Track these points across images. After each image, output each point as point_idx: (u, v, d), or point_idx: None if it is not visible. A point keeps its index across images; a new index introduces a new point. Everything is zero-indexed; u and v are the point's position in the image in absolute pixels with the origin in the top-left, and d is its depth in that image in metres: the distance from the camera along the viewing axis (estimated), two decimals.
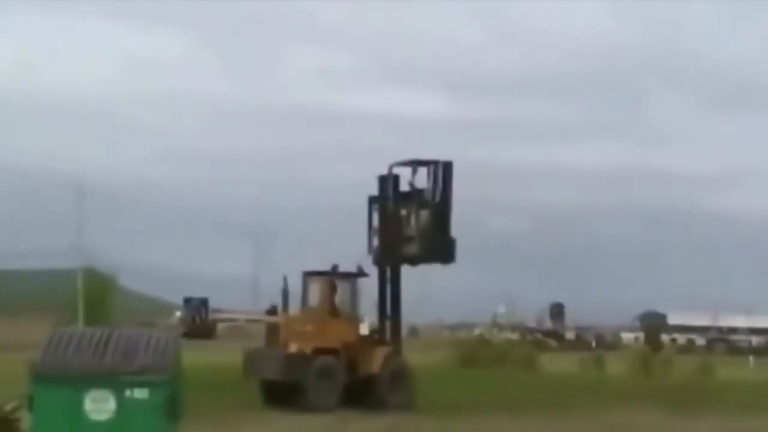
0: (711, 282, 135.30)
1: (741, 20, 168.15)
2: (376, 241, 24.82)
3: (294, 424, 19.51)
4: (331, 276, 24.20)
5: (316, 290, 24.15)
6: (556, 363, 40.55)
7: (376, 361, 23.38)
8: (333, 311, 23.92)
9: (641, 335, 78.73)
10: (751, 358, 61.54)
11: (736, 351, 72.81)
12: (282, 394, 22.90)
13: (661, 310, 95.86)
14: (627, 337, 78.47)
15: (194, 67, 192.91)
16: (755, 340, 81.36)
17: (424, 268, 25.42)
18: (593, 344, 70.83)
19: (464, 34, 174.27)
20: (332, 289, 24.01)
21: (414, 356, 27.45)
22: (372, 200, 25.07)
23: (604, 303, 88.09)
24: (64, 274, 67.12)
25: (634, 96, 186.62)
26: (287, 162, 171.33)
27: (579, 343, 71.57)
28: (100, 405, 11.72)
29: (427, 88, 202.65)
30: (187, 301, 77.06)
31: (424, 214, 24.62)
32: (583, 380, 29.35)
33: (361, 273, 24.41)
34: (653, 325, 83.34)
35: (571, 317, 79.49)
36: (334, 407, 22.20)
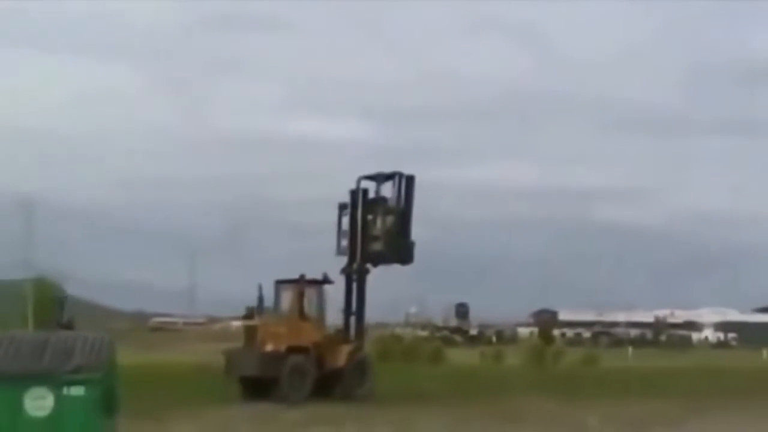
0: (598, 284, 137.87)
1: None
2: (344, 243, 25.46)
3: (220, 416, 19.04)
4: (300, 283, 24.77)
5: (287, 297, 24.88)
6: (461, 357, 40.73)
7: (341, 356, 24.21)
8: (302, 314, 24.59)
9: (535, 330, 79.40)
10: (630, 349, 62.49)
11: (617, 343, 73.92)
12: (258, 389, 23.46)
13: (553, 308, 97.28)
14: (523, 332, 78.97)
15: (140, 99, 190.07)
16: (633, 332, 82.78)
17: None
18: (494, 339, 71.29)
19: (389, 72, 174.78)
20: (301, 295, 24.66)
21: None
22: (342, 207, 25.78)
23: (504, 303, 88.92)
24: (13, 285, 65.52)
25: (537, 120, 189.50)
26: (230, 184, 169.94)
27: (481, 338, 71.97)
28: (39, 402, 11.40)
29: (351, 117, 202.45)
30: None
31: (389, 219, 25.38)
32: (485, 372, 29.34)
33: (326, 280, 25.12)
34: (545, 320, 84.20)
35: (475, 316, 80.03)
36: (305, 400, 22.82)
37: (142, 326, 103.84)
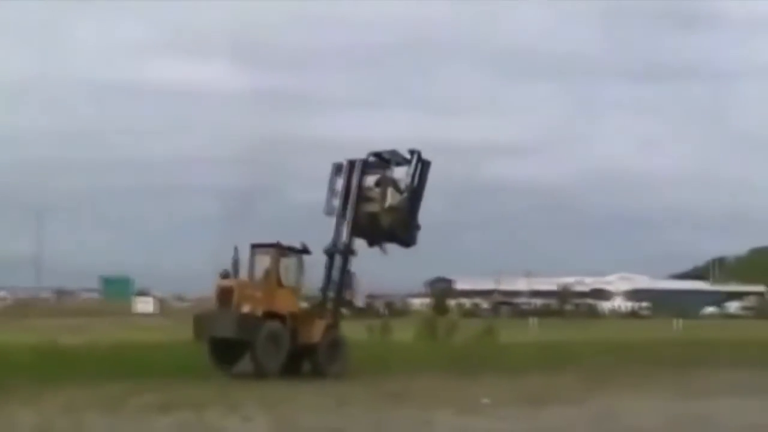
0: (498, 250, 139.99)
1: None
2: (335, 203, 26.69)
3: (61, 400, 18.69)
4: (278, 249, 25.68)
5: (263, 261, 25.75)
6: (346, 331, 40.70)
7: (317, 331, 25.26)
8: (279, 281, 25.53)
9: (429, 301, 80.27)
10: (532, 320, 63.64)
11: (520, 313, 75.28)
12: (228, 353, 24.72)
13: (449, 276, 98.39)
14: (415, 303, 79.85)
15: None
16: (537, 302, 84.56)
17: None
18: (383, 311, 71.77)
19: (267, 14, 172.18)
20: (278, 261, 25.62)
21: None
22: (337, 167, 27.02)
23: (395, 272, 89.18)
24: None
25: (428, 67, 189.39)
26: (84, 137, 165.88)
27: (369, 310, 72.38)
28: None
29: (221, 60, 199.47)
30: None
31: (396, 195, 26.70)
32: (371, 347, 29.45)
33: (304, 250, 26.07)
34: (440, 290, 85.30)
35: (362, 286, 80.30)
36: (277, 372, 24.06)
37: None
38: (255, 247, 26.02)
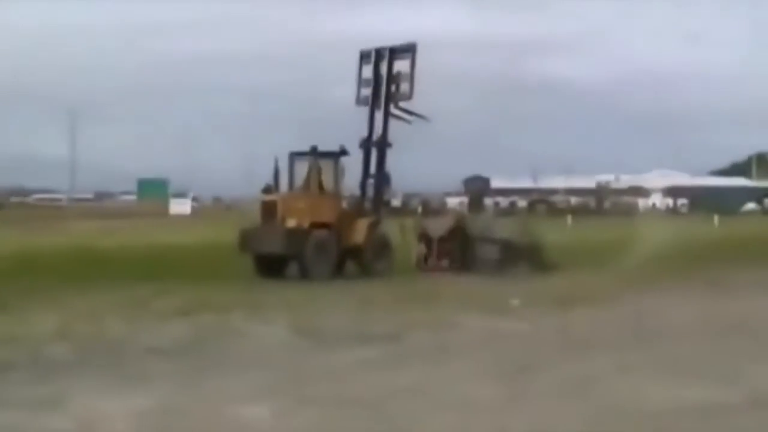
0: (535, 148, 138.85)
1: None
2: (365, 92, 26.89)
3: (85, 304, 18.52)
4: (317, 156, 25.77)
5: (302, 169, 25.84)
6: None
7: (360, 232, 25.47)
8: (321, 188, 25.76)
9: (465, 199, 79.80)
10: (569, 217, 63.21)
11: (557, 212, 74.69)
12: (275, 266, 25.09)
13: (485, 175, 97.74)
14: (452, 201, 79.37)
15: None
16: (573, 200, 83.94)
17: None
18: (419, 210, 71.32)
19: None
20: (318, 168, 25.69)
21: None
22: (363, 55, 27.09)
23: (432, 170, 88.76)
24: None
25: None
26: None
27: (406, 209, 72.02)
28: None
29: None
30: None
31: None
32: (401, 248, 29.02)
33: (343, 152, 25.99)
34: (477, 189, 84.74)
35: (398, 184, 79.82)
36: (328, 276, 24.29)
37: (24, 203, 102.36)
38: (293, 155, 26.03)
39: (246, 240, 25.39)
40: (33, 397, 10.95)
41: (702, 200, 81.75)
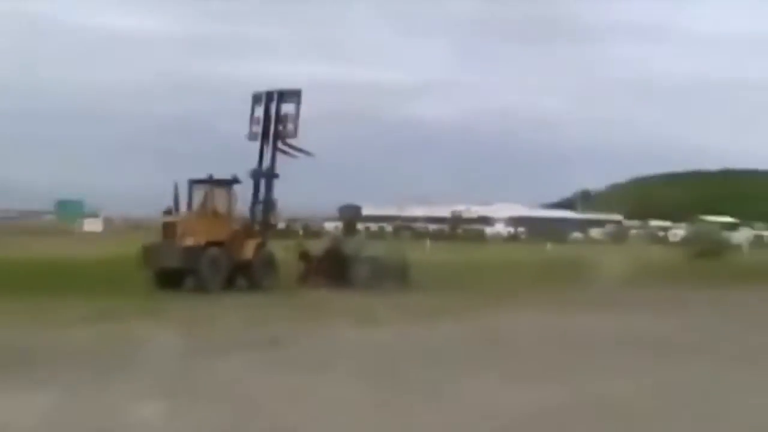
0: (400, 179, 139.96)
1: None
2: (255, 128, 26.50)
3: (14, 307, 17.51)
4: (212, 183, 25.52)
5: (200, 195, 25.43)
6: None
7: (249, 250, 25.03)
8: (215, 211, 25.34)
9: (340, 224, 79.37)
10: (428, 241, 63.43)
11: (417, 236, 74.89)
12: (173, 280, 24.22)
13: (358, 203, 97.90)
14: (329, 225, 78.86)
15: None
16: (432, 226, 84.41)
17: None
18: (300, 232, 70.64)
19: None
20: (212, 193, 25.43)
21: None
22: (255, 97, 26.74)
23: (312, 200, 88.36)
24: None
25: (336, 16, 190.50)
26: None
27: (289, 232, 71.26)
28: None
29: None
30: None
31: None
32: (288, 265, 28.43)
33: (235, 180, 25.83)
34: (350, 215, 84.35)
35: (283, 209, 79.08)
36: (221, 289, 23.80)
37: None
38: (192, 182, 25.50)
39: (148, 255, 24.69)
40: None
41: (537, 229, 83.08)
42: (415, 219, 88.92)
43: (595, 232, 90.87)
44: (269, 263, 25.47)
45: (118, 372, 12.06)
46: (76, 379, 11.52)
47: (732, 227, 64.87)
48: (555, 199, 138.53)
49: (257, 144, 26.57)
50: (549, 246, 60.71)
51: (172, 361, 12.99)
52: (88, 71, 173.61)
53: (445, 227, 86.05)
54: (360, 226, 79.70)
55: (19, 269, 28.59)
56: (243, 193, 26.24)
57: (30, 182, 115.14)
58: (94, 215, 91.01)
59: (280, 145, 26.35)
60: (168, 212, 25.49)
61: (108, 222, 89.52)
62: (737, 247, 50.32)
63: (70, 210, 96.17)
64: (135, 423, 9.51)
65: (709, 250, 36.76)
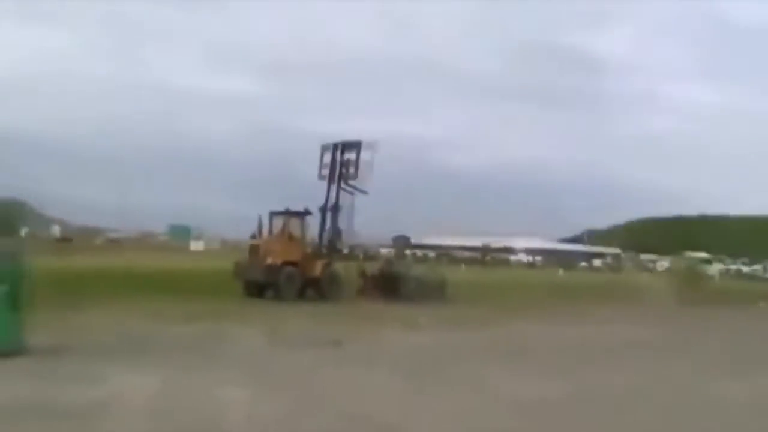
0: (439, 214, 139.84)
1: None
2: (324, 171, 26.33)
3: (123, 309, 17.85)
4: (288, 213, 25.43)
5: (278, 223, 25.49)
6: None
7: (318, 268, 25.04)
8: (290, 237, 25.26)
9: (392, 250, 79.45)
10: (462, 265, 63.26)
11: (455, 261, 74.72)
12: (257, 290, 24.43)
13: (407, 233, 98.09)
14: (384, 251, 79.02)
15: None
16: (466, 254, 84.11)
17: None
18: (361, 256, 70.81)
19: None
20: (289, 222, 25.39)
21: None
22: (324, 147, 26.65)
23: (370, 230, 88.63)
24: None
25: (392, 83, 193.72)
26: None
27: (351, 255, 71.40)
28: None
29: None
30: None
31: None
32: (351, 282, 28.58)
33: (307, 212, 25.72)
34: (401, 243, 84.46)
35: (346, 237, 79.39)
36: (294, 299, 23.71)
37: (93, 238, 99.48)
38: (273, 213, 25.66)
39: (238, 270, 25.11)
40: (79, 376, 10.38)
41: (552, 258, 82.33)
42: (452, 247, 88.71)
43: (597, 262, 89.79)
44: (334, 280, 25.39)
45: (214, 360, 12.29)
46: (182, 363, 11.75)
47: (707, 261, 64.10)
48: (567, 234, 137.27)
49: (325, 184, 26.46)
50: (561, 272, 60.20)
51: (256, 354, 13.20)
52: (204, 123, 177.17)
53: (477, 255, 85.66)
54: (408, 251, 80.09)
55: (139, 278, 29.19)
56: (313, 223, 26.14)
57: (148, 207, 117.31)
58: (199, 237, 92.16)
59: (343, 185, 26.36)
60: (253, 237, 25.75)
61: (209, 242, 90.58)
62: (711, 278, 49.79)
63: (180, 232, 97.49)
64: (227, 400, 9.71)
65: (688, 279, 36.48)
